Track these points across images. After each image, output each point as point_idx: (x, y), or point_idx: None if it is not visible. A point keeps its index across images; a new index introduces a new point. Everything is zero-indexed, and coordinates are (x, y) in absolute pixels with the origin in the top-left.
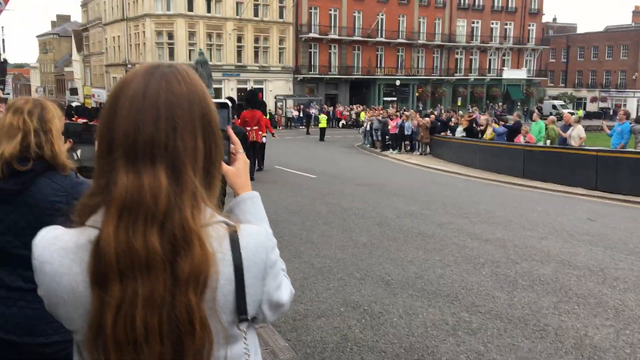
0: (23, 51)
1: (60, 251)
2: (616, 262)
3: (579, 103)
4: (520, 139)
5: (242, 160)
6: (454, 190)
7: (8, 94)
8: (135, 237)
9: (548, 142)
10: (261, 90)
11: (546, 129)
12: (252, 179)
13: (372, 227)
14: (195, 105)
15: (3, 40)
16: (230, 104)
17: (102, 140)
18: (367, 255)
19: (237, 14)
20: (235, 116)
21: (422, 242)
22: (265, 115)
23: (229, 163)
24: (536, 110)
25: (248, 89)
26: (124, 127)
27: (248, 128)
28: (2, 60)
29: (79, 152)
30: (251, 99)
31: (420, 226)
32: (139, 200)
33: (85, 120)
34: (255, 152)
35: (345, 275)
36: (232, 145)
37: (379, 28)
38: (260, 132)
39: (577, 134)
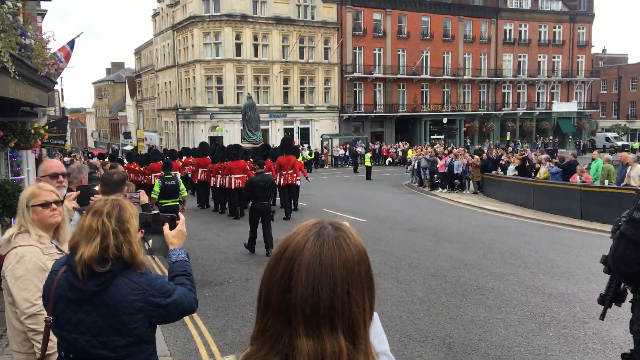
0: (79, 97)
1: None
2: None
3: (633, 134)
4: (576, 179)
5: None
6: (509, 235)
7: (67, 140)
8: None
9: (606, 182)
10: (307, 129)
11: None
12: (287, 218)
13: (428, 279)
14: (362, 265)
15: (62, 89)
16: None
17: (271, 301)
18: (425, 312)
19: (283, 57)
20: (269, 158)
21: (482, 297)
22: (298, 159)
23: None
24: (591, 146)
25: (294, 129)
26: (303, 294)
27: (284, 172)
28: (63, 115)
29: (150, 242)
30: (286, 145)
31: (479, 278)
32: None
33: (156, 212)
34: (291, 193)
35: (404, 337)
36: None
37: (424, 65)
38: (294, 175)
39: (636, 173)
